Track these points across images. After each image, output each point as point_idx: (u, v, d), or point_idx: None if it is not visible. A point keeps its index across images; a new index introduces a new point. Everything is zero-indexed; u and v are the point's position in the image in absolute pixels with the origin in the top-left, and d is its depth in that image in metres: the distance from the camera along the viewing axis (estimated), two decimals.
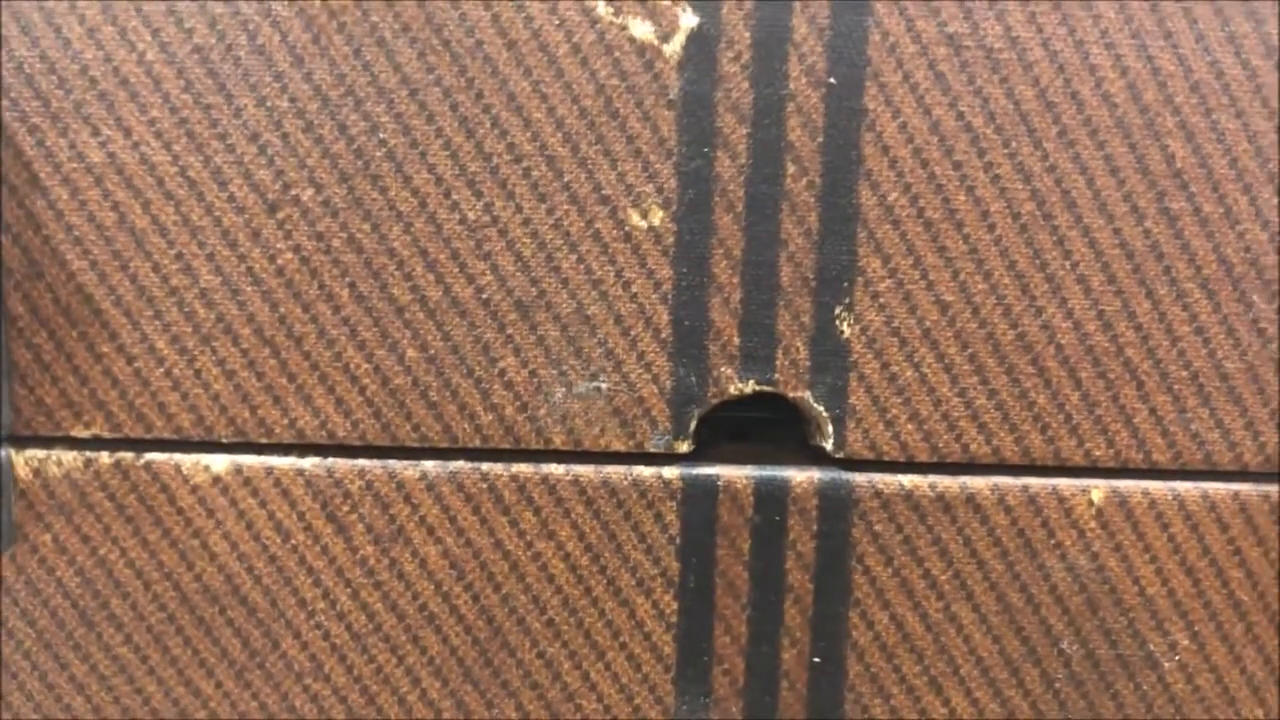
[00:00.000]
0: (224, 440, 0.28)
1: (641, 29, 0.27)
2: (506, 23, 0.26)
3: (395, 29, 0.27)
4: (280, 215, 0.27)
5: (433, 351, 0.28)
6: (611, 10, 0.26)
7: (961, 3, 0.26)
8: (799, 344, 0.28)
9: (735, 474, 0.28)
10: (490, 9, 0.26)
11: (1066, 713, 0.29)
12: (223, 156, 0.27)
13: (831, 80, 0.27)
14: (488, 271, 0.28)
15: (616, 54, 0.27)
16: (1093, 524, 0.29)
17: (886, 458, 0.28)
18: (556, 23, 0.26)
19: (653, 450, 0.28)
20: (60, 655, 0.29)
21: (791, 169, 0.27)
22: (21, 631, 0.29)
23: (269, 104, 0.27)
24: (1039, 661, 0.29)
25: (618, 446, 0.28)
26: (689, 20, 0.27)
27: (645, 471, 0.28)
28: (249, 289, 0.28)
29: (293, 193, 0.27)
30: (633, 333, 0.28)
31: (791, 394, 0.28)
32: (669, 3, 0.26)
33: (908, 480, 0.29)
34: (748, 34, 0.27)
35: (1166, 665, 0.29)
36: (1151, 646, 0.29)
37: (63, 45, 0.27)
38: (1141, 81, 0.27)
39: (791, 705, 0.29)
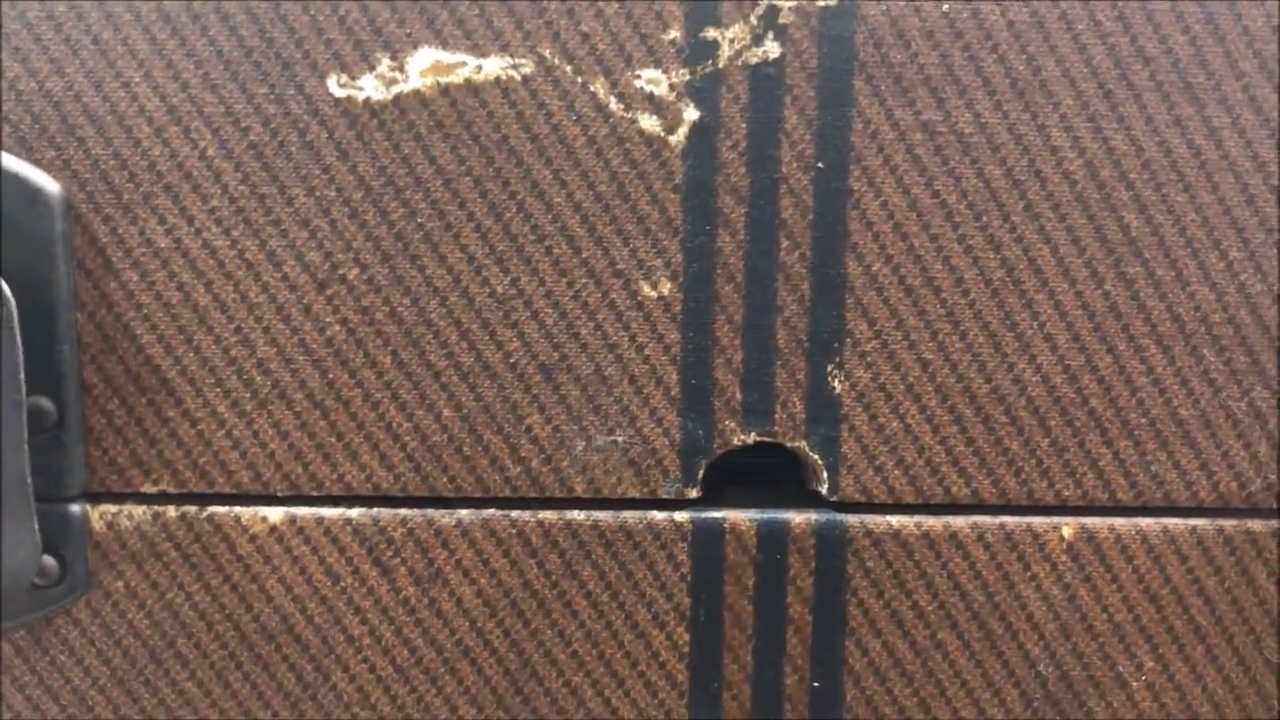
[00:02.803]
0: (279, 494, 0.31)
1: (649, 123, 0.30)
2: (529, 118, 0.30)
3: (430, 125, 0.30)
4: (329, 292, 0.30)
5: (466, 411, 0.31)
6: (622, 106, 0.30)
7: (935, 93, 0.30)
8: (795, 399, 0.31)
9: (740, 517, 0.31)
10: (514, 107, 0.30)
11: (1037, 717, 0.32)
12: (276, 240, 0.30)
13: (819, 165, 0.30)
14: (514, 339, 0.31)
15: (627, 145, 0.30)
16: (1064, 557, 0.32)
17: (876, 500, 0.31)
18: (574, 118, 0.30)
19: (665, 497, 0.31)
20: (131, 689, 0.32)
21: (785, 243, 0.30)
22: (96, 669, 0.32)
23: (318, 193, 0.30)
24: (1018, 683, 0.32)
25: (633, 494, 0.31)
26: (691, 114, 0.30)
27: (658, 516, 0.31)
28: (301, 358, 0.31)
29: (340, 272, 0.30)
30: (645, 391, 0.31)
31: (789, 444, 0.31)
32: (673, 99, 0.30)
33: (896, 520, 0.31)
34: (744, 125, 0.30)
35: (1134, 685, 0.32)
36: (1120, 668, 0.32)
37: (133, 144, 0.30)
38: (1098, 160, 0.30)
39: None
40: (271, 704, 0.32)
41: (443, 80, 0.29)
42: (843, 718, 0.32)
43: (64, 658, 0.32)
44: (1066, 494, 0.31)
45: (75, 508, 0.31)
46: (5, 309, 0.29)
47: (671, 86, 0.29)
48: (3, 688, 0.32)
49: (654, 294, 0.30)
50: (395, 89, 0.29)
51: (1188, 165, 0.30)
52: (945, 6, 0.29)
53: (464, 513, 0.31)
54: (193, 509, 0.31)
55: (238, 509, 0.31)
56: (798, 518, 0.31)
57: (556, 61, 0.29)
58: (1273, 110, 0.30)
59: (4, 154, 0.30)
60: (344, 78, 0.29)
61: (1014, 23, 0.29)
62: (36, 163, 0.30)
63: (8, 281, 0.29)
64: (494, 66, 0.29)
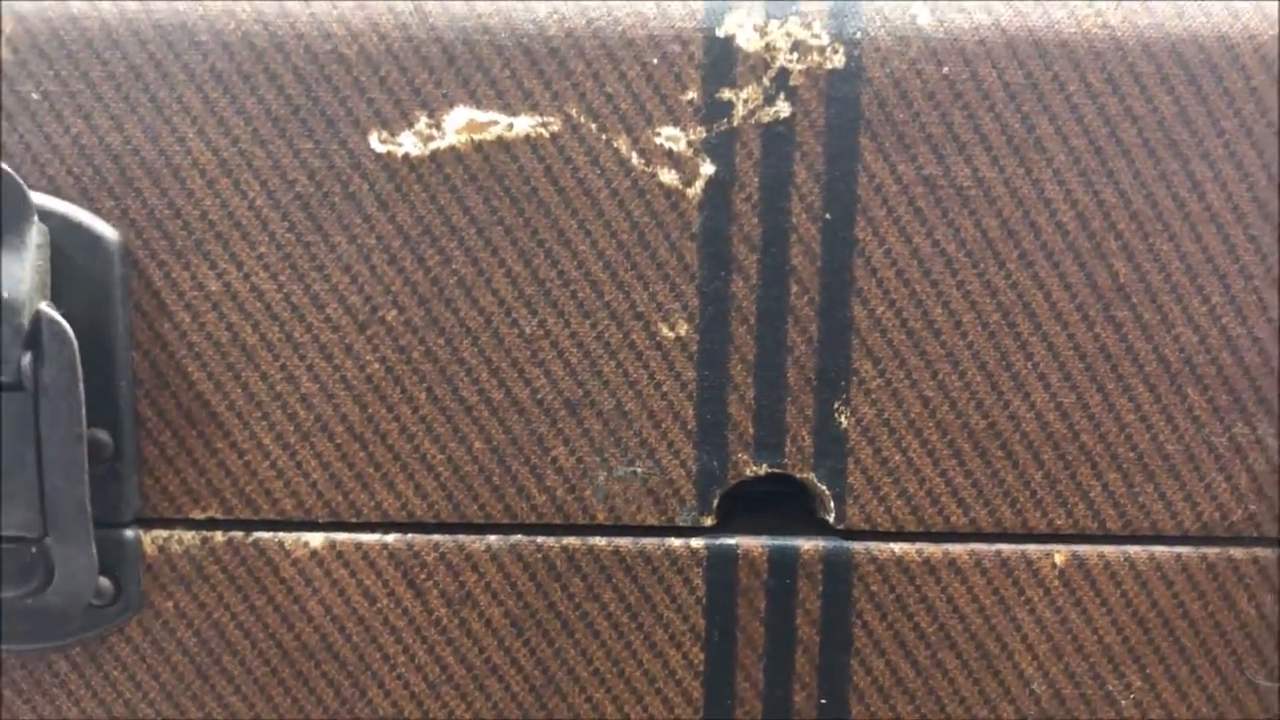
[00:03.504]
0: (320, 520, 0.33)
1: (668, 176, 0.32)
2: (557, 172, 0.32)
3: (464, 178, 0.32)
4: (369, 333, 0.32)
5: (495, 443, 0.33)
6: (643, 161, 0.32)
7: (936, 149, 0.32)
8: (804, 433, 0.33)
9: (752, 543, 0.34)
10: (543, 161, 0.32)
11: None
12: (320, 284, 0.32)
13: (827, 216, 0.32)
14: (541, 376, 0.33)
15: (648, 197, 0.32)
16: (1056, 583, 0.34)
17: (880, 528, 0.33)
18: (598, 172, 0.32)
19: (681, 524, 0.33)
20: (179, 703, 0.34)
21: (795, 288, 0.32)
22: (147, 684, 0.34)
23: (359, 241, 0.32)
24: (1013, 701, 0.34)
25: (652, 521, 0.33)
26: (708, 169, 0.32)
27: (675, 542, 0.33)
28: (342, 393, 0.33)
29: (379, 314, 0.32)
30: (663, 425, 0.33)
31: (799, 475, 0.33)
32: (691, 155, 0.32)
33: (898, 548, 0.33)
34: (756, 179, 0.32)
35: (1123, 703, 0.34)
36: (1110, 687, 0.34)
37: (186, 194, 0.32)
38: (1088, 212, 0.32)
39: None
40: (310, 716, 0.34)
41: (476, 137, 0.32)
42: None
43: (117, 673, 0.34)
44: (1059, 523, 0.33)
45: (129, 533, 0.33)
46: (68, 349, 0.31)
47: (689, 143, 0.32)
48: (60, 701, 0.34)
49: (672, 334, 0.33)
50: (432, 145, 0.32)
51: (1172, 216, 0.32)
52: (945, 69, 0.31)
53: (493, 538, 0.33)
54: (239, 534, 0.33)
55: (281, 534, 0.33)
56: (806, 544, 0.33)
57: (582, 120, 0.31)
58: (1252, 165, 0.32)
59: (67, 204, 0.32)
60: (384, 134, 0.32)
61: (1010, 84, 0.31)
62: (97, 212, 0.32)
63: (70, 322, 0.31)
64: (524, 124, 0.31)
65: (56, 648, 0.34)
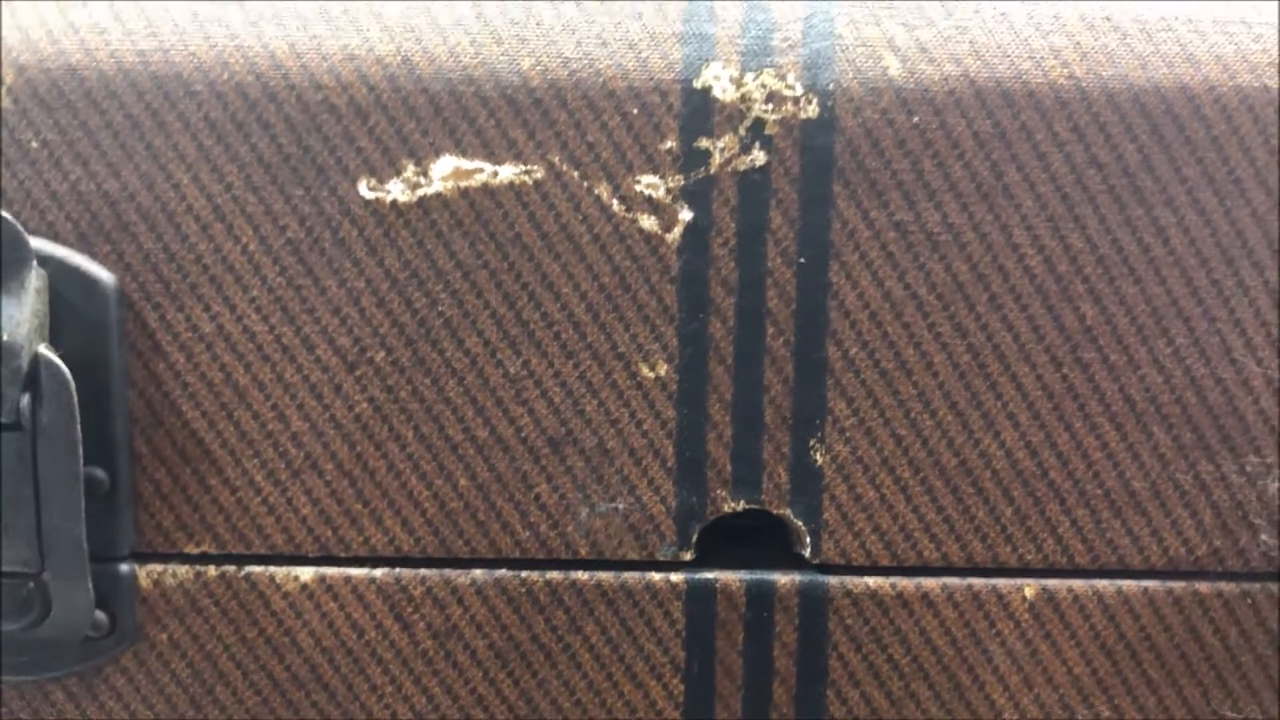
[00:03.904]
0: (310, 555, 0.34)
1: (649, 222, 0.33)
2: (540, 218, 0.33)
3: (450, 224, 0.33)
4: (358, 373, 0.33)
5: (480, 480, 0.34)
6: (624, 208, 0.33)
7: (906, 196, 0.33)
8: (780, 470, 0.34)
9: (730, 577, 0.34)
10: (527, 208, 0.33)
11: None
12: (310, 326, 0.33)
13: (802, 260, 0.33)
14: (525, 415, 0.34)
15: (629, 242, 0.33)
16: (1026, 615, 0.35)
17: (854, 563, 0.34)
18: (580, 218, 0.33)
19: (661, 559, 0.34)
20: None
21: (771, 330, 0.33)
22: (141, 714, 0.35)
23: (348, 284, 0.33)
24: None
25: (633, 556, 0.34)
26: (686, 215, 0.33)
27: (656, 576, 0.34)
28: (331, 431, 0.34)
29: (367, 355, 0.33)
30: (644, 463, 0.34)
31: (775, 511, 0.34)
32: (669, 202, 0.33)
33: (872, 581, 0.34)
34: (733, 225, 0.33)
35: None
36: (1079, 717, 0.35)
37: (181, 239, 0.33)
38: (1055, 256, 0.33)
39: None
40: None
41: (462, 184, 0.33)
42: None
43: (112, 703, 0.35)
44: (1028, 557, 0.34)
45: (125, 567, 0.34)
46: (66, 390, 0.32)
47: (668, 190, 0.33)
48: None
49: (652, 375, 0.34)
50: (419, 192, 0.33)
51: (1137, 261, 0.33)
52: (916, 118, 0.32)
53: (478, 572, 0.34)
54: (231, 568, 0.34)
55: (272, 568, 0.34)
56: (783, 578, 0.34)
57: (565, 168, 0.33)
58: (1214, 211, 0.33)
59: (65, 249, 0.33)
60: (373, 181, 0.33)
61: (978, 133, 0.33)
62: (94, 256, 0.33)
63: (67, 363, 0.32)
64: (509, 172, 0.33)
65: (54, 679, 0.35)
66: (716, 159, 0.33)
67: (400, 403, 0.34)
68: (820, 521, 0.34)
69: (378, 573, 0.34)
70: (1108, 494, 0.34)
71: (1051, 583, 0.34)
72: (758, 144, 0.32)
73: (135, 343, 0.33)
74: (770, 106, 0.32)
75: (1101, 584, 0.34)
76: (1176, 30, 0.33)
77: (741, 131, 0.32)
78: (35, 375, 0.32)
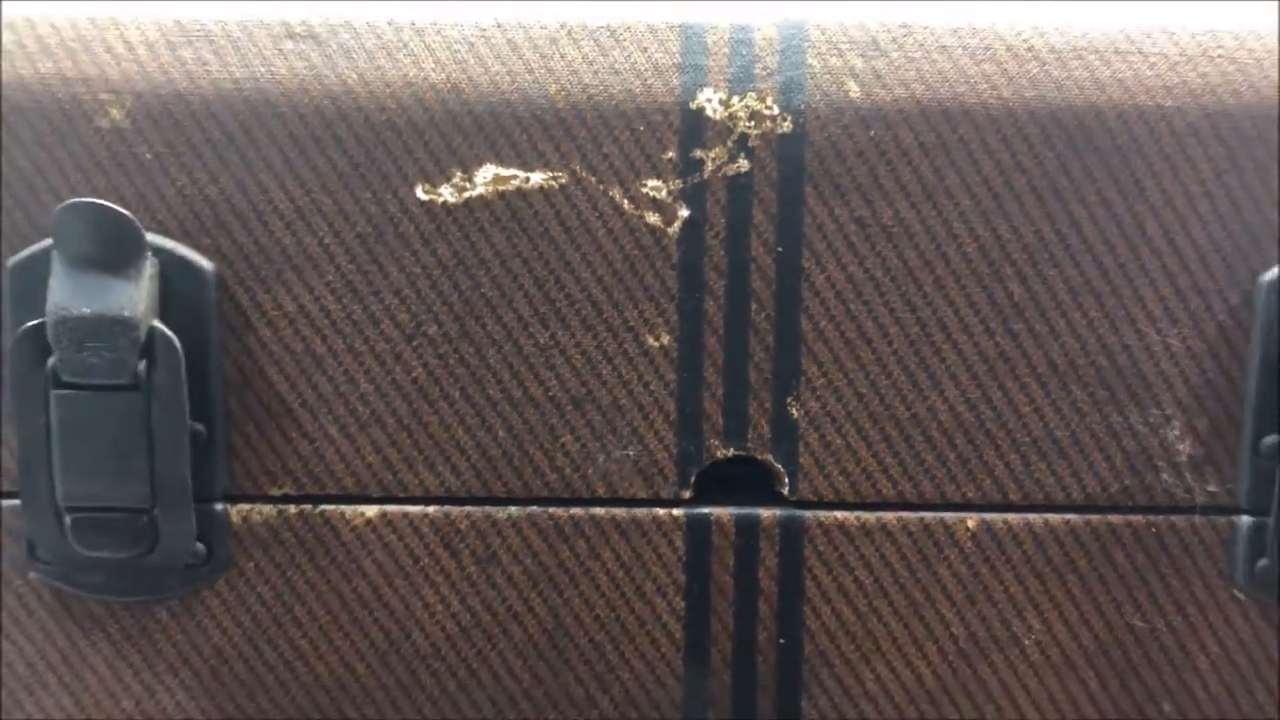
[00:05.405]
0: (374, 495, 0.41)
1: (653, 218, 0.40)
2: (564, 215, 0.40)
3: (490, 220, 0.40)
4: (414, 343, 0.40)
5: (516, 431, 0.41)
6: (633, 207, 0.40)
7: (865, 196, 0.40)
8: (763, 423, 0.41)
9: (722, 512, 0.41)
10: (553, 207, 0.40)
11: (951, 666, 0.42)
12: (374, 305, 0.40)
13: (780, 249, 0.40)
14: (553, 378, 0.41)
15: (637, 234, 0.40)
16: (969, 544, 0.41)
17: (826, 500, 0.41)
18: (597, 215, 0.40)
19: (665, 498, 0.41)
20: (258, 646, 0.42)
21: (754, 306, 0.40)
22: (232, 630, 0.42)
23: (406, 270, 0.40)
24: (935, 640, 0.42)
25: (641, 495, 0.40)
26: (684, 212, 0.40)
27: (660, 512, 0.41)
28: (392, 392, 0.41)
29: (422, 329, 0.40)
30: (650, 417, 0.41)
31: (759, 456, 0.41)
32: (670, 201, 0.40)
33: (841, 515, 0.41)
34: (723, 220, 0.40)
35: (1026, 642, 0.42)
36: (1014, 629, 0.42)
37: (268, 234, 0.40)
38: (988, 244, 0.40)
39: (765, 674, 0.42)
40: (365, 655, 0.42)
41: (501, 188, 0.40)
42: (801, 668, 0.42)
43: (207, 621, 0.42)
44: (970, 495, 0.41)
45: (219, 506, 0.41)
46: (175, 357, 0.39)
47: (669, 192, 0.40)
48: (160, 644, 0.42)
49: (656, 344, 0.40)
50: (465, 194, 0.40)
51: (1056, 248, 0.40)
52: (872, 132, 0.39)
53: (513, 509, 0.41)
54: (308, 507, 0.41)
55: (342, 507, 0.41)
56: (766, 513, 0.41)
57: (584, 174, 0.40)
58: (1118, 206, 0.40)
59: (173, 242, 0.40)
60: (427, 186, 0.40)
61: (924, 144, 0.39)
62: (196, 248, 0.40)
63: (174, 336, 0.39)
64: (539, 178, 0.40)
65: (159, 600, 0.41)
66: (709, 166, 0.40)
67: (449, 368, 0.40)
68: (797, 465, 0.41)
69: (430, 509, 0.41)
70: (1035, 441, 0.41)
71: (990, 516, 0.41)
72: (743, 154, 0.40)
73: (229, 319, 0.40)
74: (753, 124, 0.39)
75: (1032, 517, 0.41)
76: (1086, 59, 0.40)
77: (729, 144, 0.40)
78: (150, 345, 0.39)
